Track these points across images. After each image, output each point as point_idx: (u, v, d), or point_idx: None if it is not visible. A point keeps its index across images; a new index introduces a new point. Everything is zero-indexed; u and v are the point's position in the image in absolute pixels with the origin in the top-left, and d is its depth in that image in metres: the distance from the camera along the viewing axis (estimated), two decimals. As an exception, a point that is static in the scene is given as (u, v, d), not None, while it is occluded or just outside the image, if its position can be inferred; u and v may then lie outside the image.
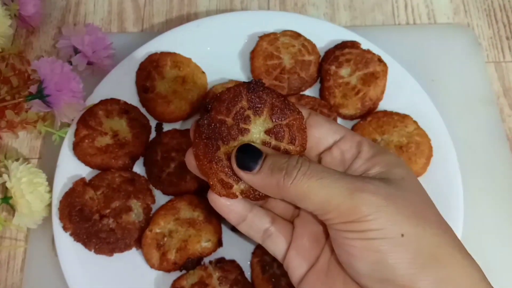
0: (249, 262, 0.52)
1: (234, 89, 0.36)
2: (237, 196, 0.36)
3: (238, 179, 0.36)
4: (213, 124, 0.35)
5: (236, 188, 0.36)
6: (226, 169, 0.35)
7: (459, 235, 0.52)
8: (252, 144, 0.35)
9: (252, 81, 0.36)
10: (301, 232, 0.39)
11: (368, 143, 0.37)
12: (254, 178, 0.34)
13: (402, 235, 0.30)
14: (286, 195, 0.33)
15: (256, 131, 0.36)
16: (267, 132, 0.36)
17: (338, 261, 0.36)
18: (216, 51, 0.62)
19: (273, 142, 0.36)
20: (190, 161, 0.38)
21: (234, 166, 0.35)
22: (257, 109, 0.36)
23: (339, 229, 0.32)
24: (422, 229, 0.31)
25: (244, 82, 0.37)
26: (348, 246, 0.32)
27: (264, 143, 0.36)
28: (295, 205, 0.42)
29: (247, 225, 0.40)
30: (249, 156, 0.34)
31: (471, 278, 0.31)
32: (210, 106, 0.36)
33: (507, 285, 0.55)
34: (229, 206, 0.38)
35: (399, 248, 0.30)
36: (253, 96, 0.36)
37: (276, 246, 0.40)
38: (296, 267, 0.38)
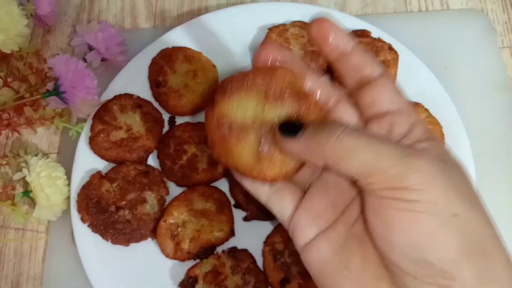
0: (261, 251, 0.53)
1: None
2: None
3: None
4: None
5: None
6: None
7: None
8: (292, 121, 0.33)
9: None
10: (317, 194, 0.35)
11: (424, 125, 0.33)
12: (297, 143, 0.32)
13: (455, 215, 0.27)
14: (328, 153, 0.30)
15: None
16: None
17: (359, 235, 0.33)
18: (226, 44, 0.63)
19: None
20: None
21: (278, 136, 0.33)
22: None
23: (383, 196, 0.29)
24: (475, 215, 0.28)
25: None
26: (391, 216, 0.28)
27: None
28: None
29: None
30: (291, 127, 0.33)
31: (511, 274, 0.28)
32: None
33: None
34: None
35: (449, 229, 0.27)
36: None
37: (283, 203, 0.36)
38: (304, 227, 0.35)
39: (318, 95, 0.35)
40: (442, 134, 0.56)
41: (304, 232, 0.34)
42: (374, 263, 0.32)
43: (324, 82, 0.36)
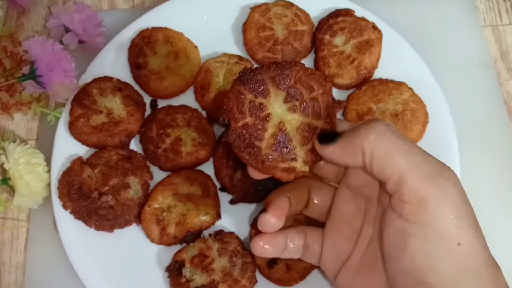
0: (248, 233, 0.52)
1: (232, 91, 0.37)
2: (304, 172, 0.38)
3: (294, 158, 0.37)
4: (240, 133, 0.36)
5: (298, 165, 0.37)
6: (279, 158, 0.36)
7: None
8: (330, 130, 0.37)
9: (240, 73, 0.37)
10: (332, 232, 0.41)
11: (410, 178, 0.32)
12: (335, 147, 0.35)
13: (459, 244, 0.29)
14: (366, 148, 0.32)
15: (277, 108, 0.36)
16: (286, 101, 0.36)
17: (370, 261, 0.38)
18: (207, 25, 0.61)
19: (298, 113, 0.36)
20: (252, 173, 0.40)
21: (317, 145, 0.36)
22: (263, 92, 0.36)
23: (402, 215, 0.31)
24: (478, 243, 0.30)
25: (236, 79, 0.37)
26: (402, 240, 0.31)
27: (292, 110, 0.36)
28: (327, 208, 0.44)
29: (289, 252, 0.42)
30: (328, 136, 0.36)
31: None
32: (226, 121, 0.37)
33: (505, 248, 0.55)
34: (272, 245, 0.41)
35: (451, 257, 0.29)
36: (251, 85, 0.36)
37: (313, 254, 0.42)
38: (330, 266, 0.41)
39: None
40: (426, 113, 0.56)
41: (331, 270, 0.40)
42: (381, 285, 0.36)
43: None
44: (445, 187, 0.30)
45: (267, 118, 0.36)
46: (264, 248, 0.41)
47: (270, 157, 0.36)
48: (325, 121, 0.37)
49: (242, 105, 0.36)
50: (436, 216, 0.30)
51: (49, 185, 0.54)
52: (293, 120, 0.36)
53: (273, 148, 0.36)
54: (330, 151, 0.35)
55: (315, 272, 0.50)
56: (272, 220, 0.39)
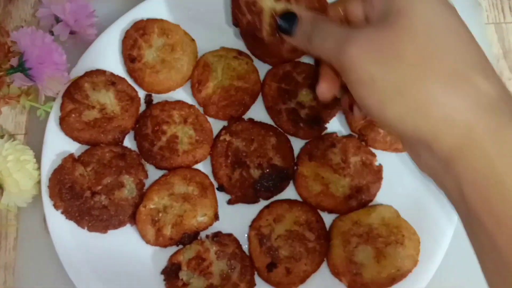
0: (246, 235, 0.51)
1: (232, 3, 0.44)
2: None
3: None
4: (247, 30, 0.43)
5: None
6: (280, 42, 0.43)
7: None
8: (289, 11, 0.40)
9: None
10: None
11: None
12: (291, 40, 0.40)
13: (372, 79, 0.33)
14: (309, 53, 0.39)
15: (267, 2, 0.42)
16: None
17: None
18: (205, 17, 0.59)
19: (283, 2, 0.42)
20: None
21: (278, 31, 0.41)
22: None
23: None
24: (391, 69, 0.32)
25: None
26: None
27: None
28: None
29: None
30: (287, 21, 0.39)
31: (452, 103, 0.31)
32: (236, 23, 0.46)
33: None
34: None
35: (371, 90, 0.33)
36: None
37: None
38: None
39: None
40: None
41: None
42: None
43: None
44: (349, 52, 0.33)
45: (261, 12, 0.42)
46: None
47: (272, 42, 0.43)
48: (307, 4, 0.42)
49: (240, 7, 0.43)
50: (351, 71, 0.33)
51: (39, 182, 0.52)
52: (281, 9, 0.42)
53: (272, 35, 0.42)
54: (287, 39, 0.40)
55: (315, 276, 0.49)
56: (327, 89, 0.41)
